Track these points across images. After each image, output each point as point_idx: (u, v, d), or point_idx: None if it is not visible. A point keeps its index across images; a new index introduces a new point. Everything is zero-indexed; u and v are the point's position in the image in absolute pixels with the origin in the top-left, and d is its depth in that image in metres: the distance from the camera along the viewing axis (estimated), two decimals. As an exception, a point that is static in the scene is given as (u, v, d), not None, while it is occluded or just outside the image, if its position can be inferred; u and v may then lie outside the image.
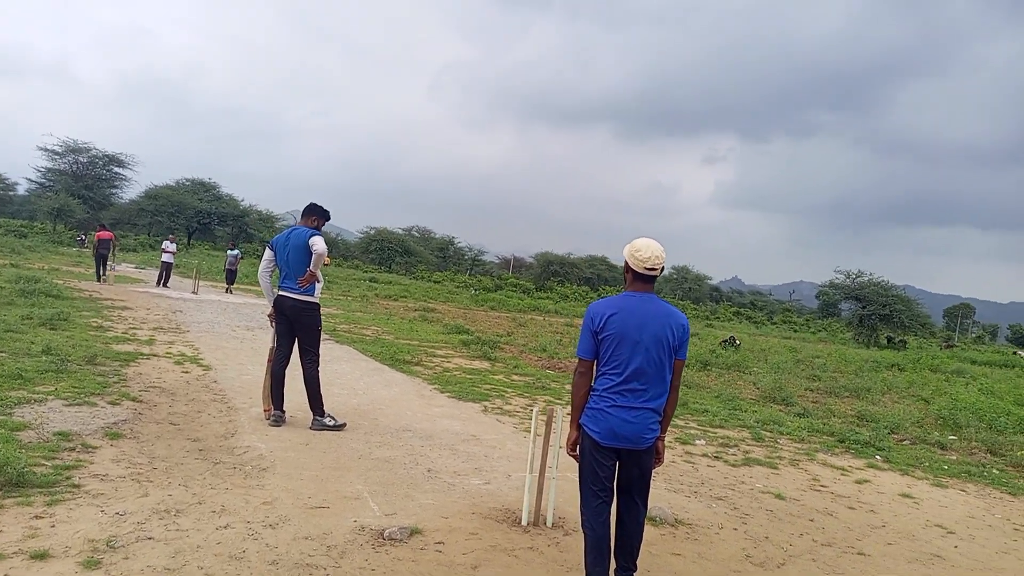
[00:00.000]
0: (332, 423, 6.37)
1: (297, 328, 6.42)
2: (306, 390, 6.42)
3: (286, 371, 6.45)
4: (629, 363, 3.26)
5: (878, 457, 7.86)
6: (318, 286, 6.47)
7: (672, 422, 8.58)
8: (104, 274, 20.79)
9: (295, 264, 6.27)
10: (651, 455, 3.42)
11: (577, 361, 3.43)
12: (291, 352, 6.48)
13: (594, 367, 3.41)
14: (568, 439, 3.52)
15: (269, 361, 6.53)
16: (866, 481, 6.77)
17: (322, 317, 6.54)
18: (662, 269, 3.40)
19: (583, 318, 3.41)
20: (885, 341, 41.07)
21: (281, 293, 6.34)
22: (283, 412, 6.37)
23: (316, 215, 6.52)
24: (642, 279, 3.37)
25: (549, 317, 30.80)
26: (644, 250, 3.35)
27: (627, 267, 3.42)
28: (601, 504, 3.36)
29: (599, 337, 3.31)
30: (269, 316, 6.56)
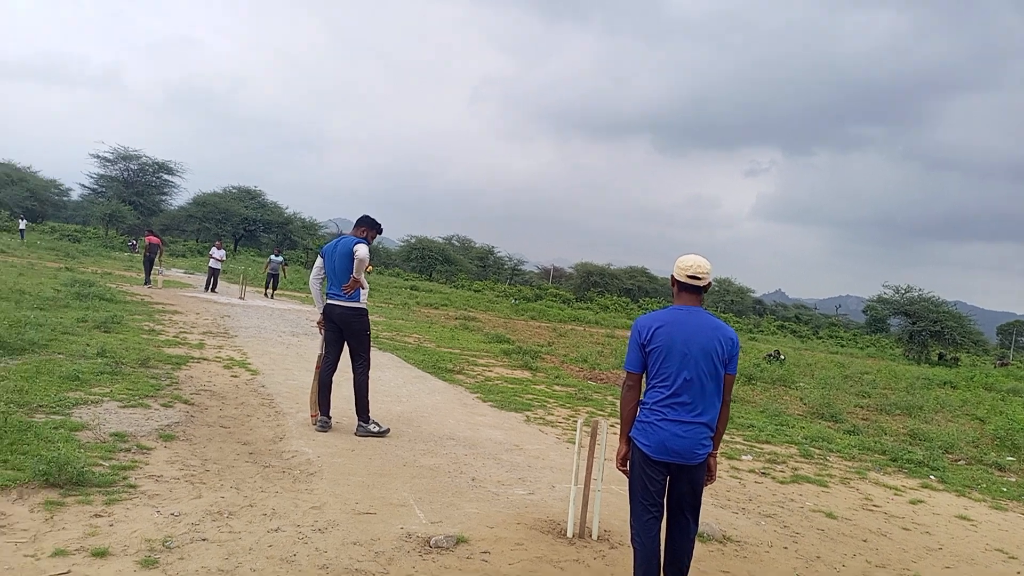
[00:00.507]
0: (376, 429, 6.42)
1: (347, 334, 6.50)
2: (354, 395, 6.48)
3: (333, 378, 6.52)
4: (678, 376, 3.23)
5: (932, 477, 7.63)
6: (363, 292, 6.53)
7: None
8: (152, 278, 21.23)
9: (341, 271, 6.35)
10: (703, 471, 3.35)
11: (625, 374, 3.39)
12: (338, 359, 6.55)
13: (642, 380, 3.38)
14: (617, 453, 3.47)
15: (317, 368, 6.61)
16: (920, 502, 6.58)
17: (367, 320, 6.60)
18: (709, 284, 3.37)
19: (630, 331, 3.38)
20: (936, 358, 39.97)
21: (329, 301, 6.43)
22: (329, 418, 6.44)
23: (366, 226, 6.63)
24: (688, 290, 3.35)
25: (590, 328, 30.66)
26: (687, 260, 3.36)
27: (673, 281, 3.41)
28: (651, 519, 3.31)
29: (647, 350, 3.29)
30: (318, 324, 6.65)
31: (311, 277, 6.63)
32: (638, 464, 3.33)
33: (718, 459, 7.19)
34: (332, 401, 6.50)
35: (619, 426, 3.46)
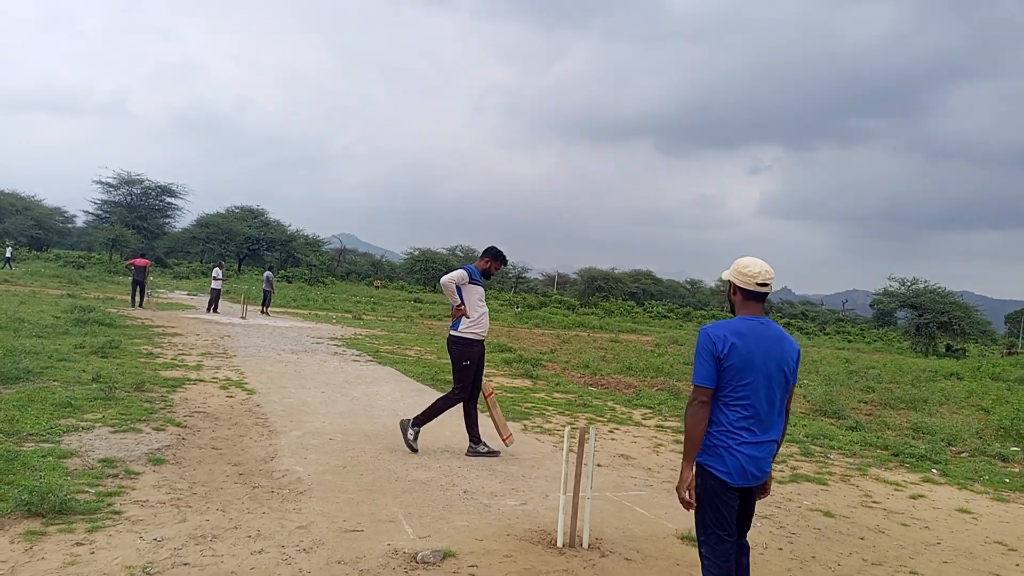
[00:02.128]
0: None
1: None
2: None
3: (470, 405, 6.64)
4: (757, 394, 3.00)
5: (934, 471, 7.56)
6: (464, 320, 6.48)
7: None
8: (141, 302, 21.25)
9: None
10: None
11: (693, 389, 3.07)
12: (467, 386, 6.61)
13: (713, 395, 3.06)
14: (682, 480, 3.06)
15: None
16: (921, 496, 6.51)
17: (464, 350, 6.54)
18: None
19: (698, 342, 3.09)
20: (944, 349, 39.77)
21: None
22: (479, 443, 6.58)
23: (487, 256, 6.77)
24: (754, 298, 3.12)
25: (594, 333, 30.61)
26: (753, 266, 3.11)
27: (734, 288, 3.16)
28: (729, 547, 3.07)
29: (723, 365, 3.00)
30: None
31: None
32: (712, 492, 3.03)
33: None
34: (329, 418, 6.48)
35: (685, 448, 3.07)
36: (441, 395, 6.63)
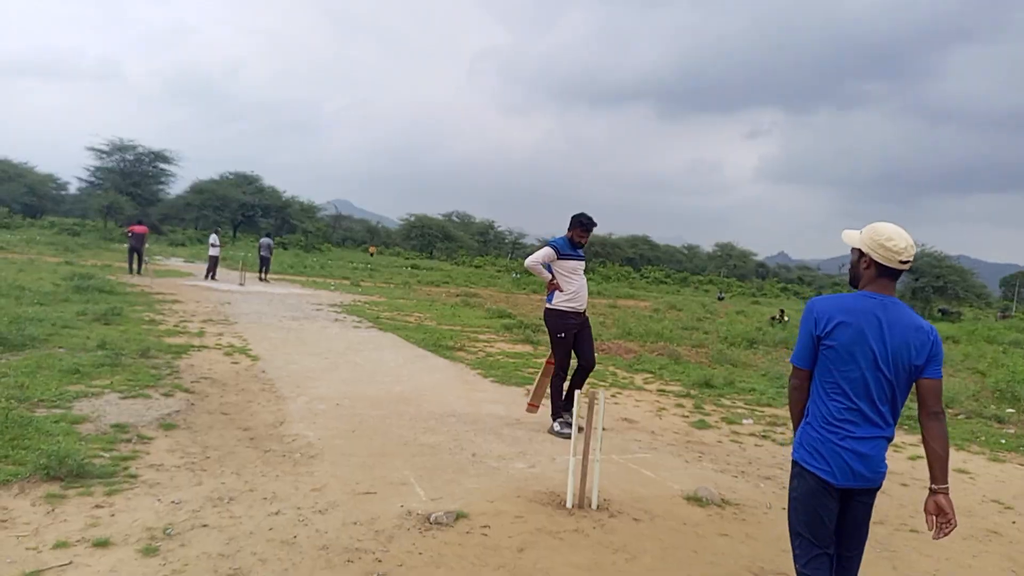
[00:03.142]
0: (557, 429, 6.32)
1: None
2: None
3: (560, 382, 6.50)
4: (863, 382, 2.62)
5: (932, 433, 7.68)
6: (557, 294, 6.38)
7: (717, 401, 8.53)
8: (139, 269, 21.23)
9: None
10: (875, 496, 2.78)
11: (791, 369, 2.80)
12: (564, 359, 6.51)
13: (810, 377, 2.76)
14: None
15: None
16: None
17: (558, 322, 6.40)
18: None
19: (802, 316, 2.75)
20: (939, 313, 40.00)
21: None
22: (557, 417, 6.42)
23: (571, 225, 6.47)
24: (890, 275, 2.69)
25: (591, 299, 30.68)
26: (897, 239, 2.63)
27: (867, 261, 2.71)
28: (822, 557, 2.71)
29: (823, 344, 2.67)
30: None
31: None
32: (809, 494, 2.68)
33: (716, 424, 7.27)
34: (334, 384, 6.53)
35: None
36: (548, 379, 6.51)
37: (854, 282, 2.79)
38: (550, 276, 6.40)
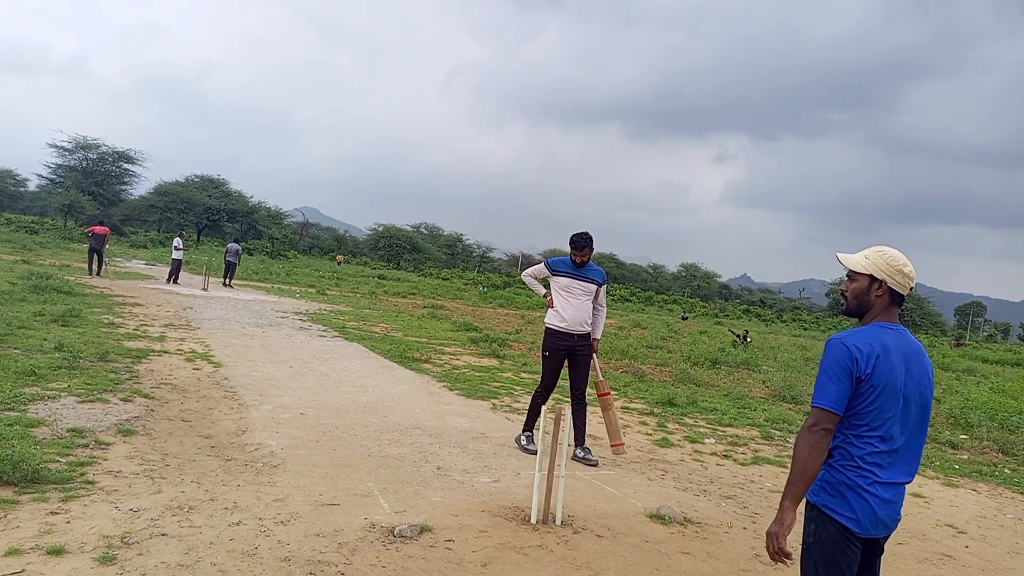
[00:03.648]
0: (524, 444, 6.26)
1: None
2: None
3: (576, 404, 6.29)
4: (897, 421, 2.43)
5: (888, 456, 7.84)
6: (549, 311, 6.28)
7: (680, 420, 8.61)
8: (99, 270, 20.82)
9: None
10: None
11: (813, 412, 2.40)
12: (547, 378, 6.32)
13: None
14: (783, 525, 2.35)
15: None
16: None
17: (545, 340, 6.27)
18: None
19: (829, 352, 2.44)
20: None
21: None
22: (577, 445, 6.21)
23: (570, 244, 6.26)
24: (899, 303, 2.56)
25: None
26: (910, 265, 2.53)
27: (882, 288, 2.53)
28: None
29: (865, 385, 2.39)
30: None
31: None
32: (831, 543, 2.42)
33: (678, 443, 7.32)
34: (298, 393, 6.46)
35: (790, 483, 2.37)
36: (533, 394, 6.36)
37: (858, 311, 2.59)
38: (544, 291, 6.40)
